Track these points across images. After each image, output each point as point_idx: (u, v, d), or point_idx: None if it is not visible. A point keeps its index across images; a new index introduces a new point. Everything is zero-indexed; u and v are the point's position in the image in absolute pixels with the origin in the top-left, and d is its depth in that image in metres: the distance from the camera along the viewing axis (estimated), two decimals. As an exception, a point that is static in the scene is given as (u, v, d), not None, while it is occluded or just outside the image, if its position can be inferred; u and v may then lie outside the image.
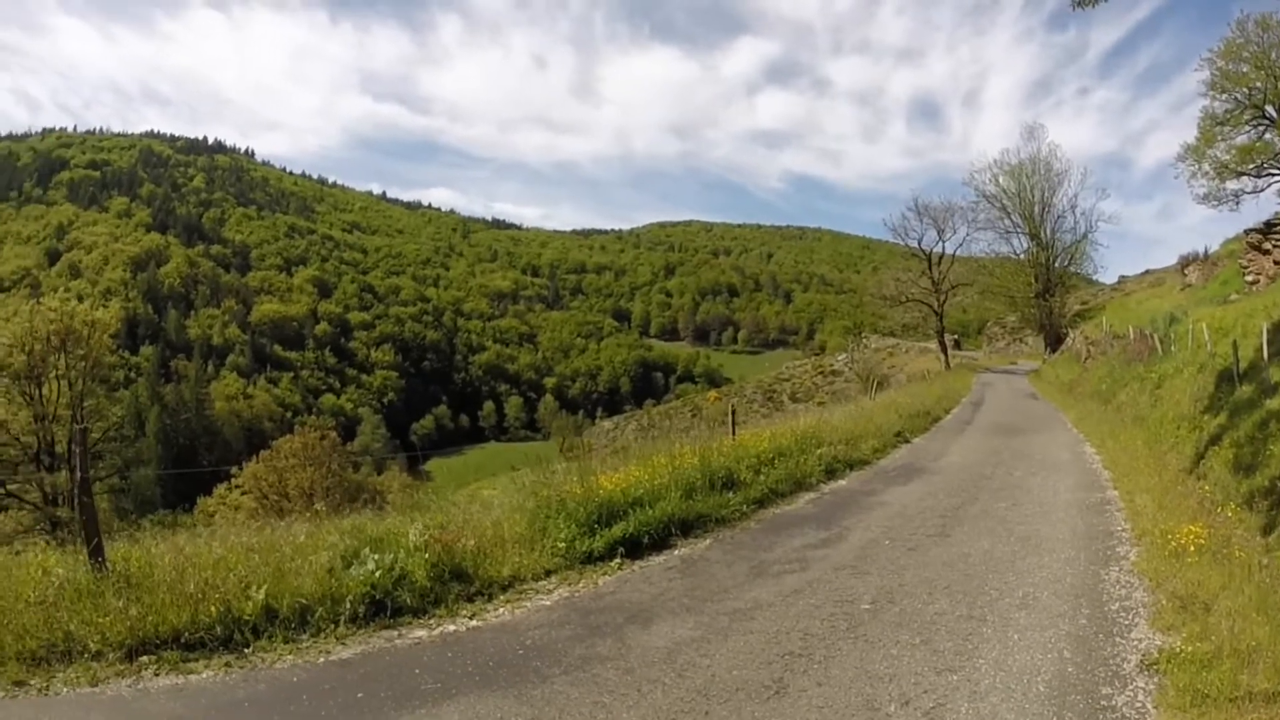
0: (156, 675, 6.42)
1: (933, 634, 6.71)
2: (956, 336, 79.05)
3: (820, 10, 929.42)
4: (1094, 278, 70.50)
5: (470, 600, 8.02)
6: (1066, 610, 7.18)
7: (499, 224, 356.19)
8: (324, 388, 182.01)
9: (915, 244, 60.62)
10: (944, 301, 60.66)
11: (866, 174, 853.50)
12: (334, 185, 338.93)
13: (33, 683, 6.30)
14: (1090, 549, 9.25)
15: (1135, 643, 6.41)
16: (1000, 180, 59.03)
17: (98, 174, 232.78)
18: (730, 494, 11.80)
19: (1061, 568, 8.51)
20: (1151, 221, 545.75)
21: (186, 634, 6.87)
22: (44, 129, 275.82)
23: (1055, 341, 55.92)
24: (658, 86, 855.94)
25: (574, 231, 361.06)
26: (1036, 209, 57.83)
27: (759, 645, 6.63)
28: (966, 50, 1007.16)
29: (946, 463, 16.75)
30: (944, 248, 60.53)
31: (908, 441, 20.17)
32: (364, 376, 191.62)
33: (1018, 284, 59.90)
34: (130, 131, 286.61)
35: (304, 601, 7.33)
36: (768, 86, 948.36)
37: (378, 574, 7.67)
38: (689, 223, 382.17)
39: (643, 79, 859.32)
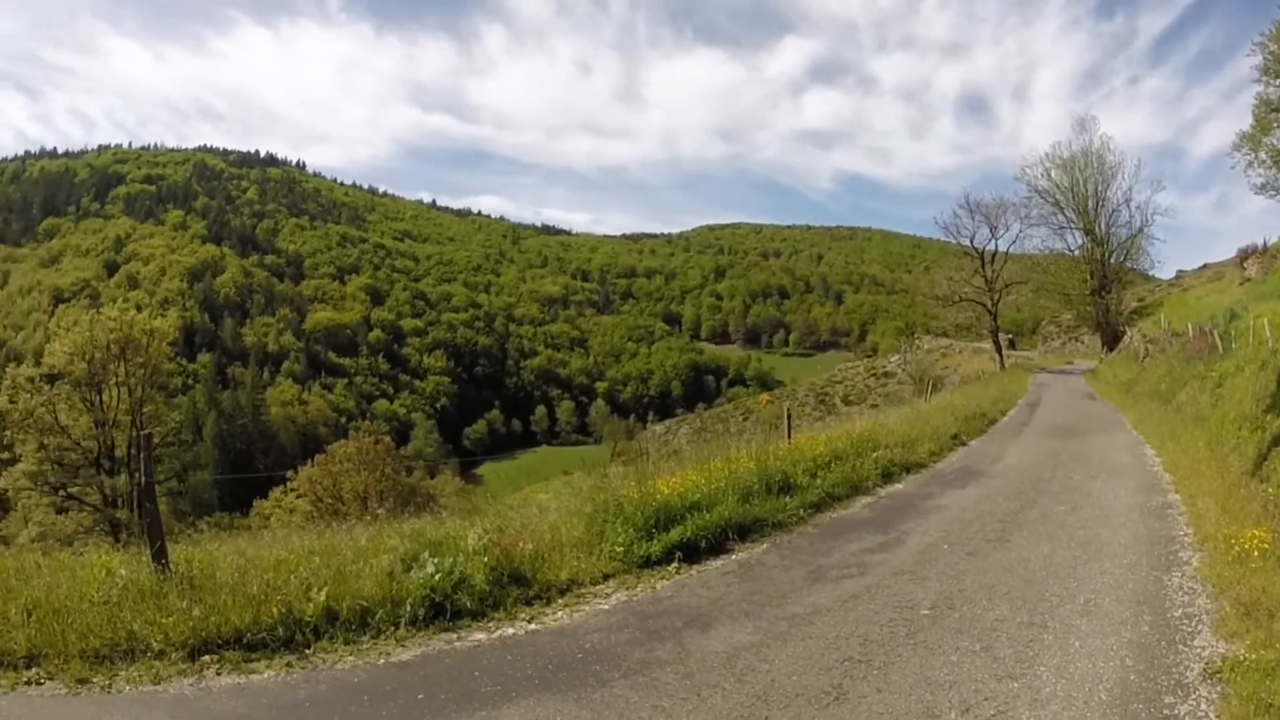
0: (218, 674, 6.55)
1: (993, 640, 6.69)
2: (1011, 336, 77.81)
3: (864, 7, 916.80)
4: (1151, 273, 69.08)
5: (529, 604, 8.07)
6: (1128, 617, 7.12)
7: (548, 230, 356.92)
8: (377, 393, 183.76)
9: (967, 242, 59.05)
10: (998, 300, 59.13)
11: (916, 172, 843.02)
12: (385, 195, 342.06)
13: (96, 680, 6.44)
14: (1152, 554, 9.14)
15: (1198, 651, 6.35)
16: (1052, 174, 57.73)
17: (153, 188, 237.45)
18: (787, 498, 11.74)
19: (1123, 573, 8.42)
20: (1208, 213, 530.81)
21: (248, 634, 6.99)
22: (100, 146, 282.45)
23: (1112, 340, 54.83)
24: (702, 89, 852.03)
25: (623, 236, 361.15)
26: (1090, 203, 56.45)
27: (818, 651, 6.64)
28: (1013, 42, 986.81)
29: (1004, 466, 16.58)
30: (997, 245, 58.86)
31: (964, 444, 19.95)
32: (417, 382, 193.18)
33: (1073, 281, 58.60)
34: (184, 146, 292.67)
35: (364, 604, 7.43)
36: (813, 86, 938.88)
37: (437, 577, 7.75)
38: (738, 225, 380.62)
39: (687, 82, 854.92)
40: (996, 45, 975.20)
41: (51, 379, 36.33)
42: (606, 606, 8.06)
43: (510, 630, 7.46)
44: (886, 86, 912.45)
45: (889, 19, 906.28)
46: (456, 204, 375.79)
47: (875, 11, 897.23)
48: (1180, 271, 77.44)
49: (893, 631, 7.00)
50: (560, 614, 7.88)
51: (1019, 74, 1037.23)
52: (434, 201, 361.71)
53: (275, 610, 7.14)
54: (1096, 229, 56.89)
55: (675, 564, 9.24)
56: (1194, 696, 5.55)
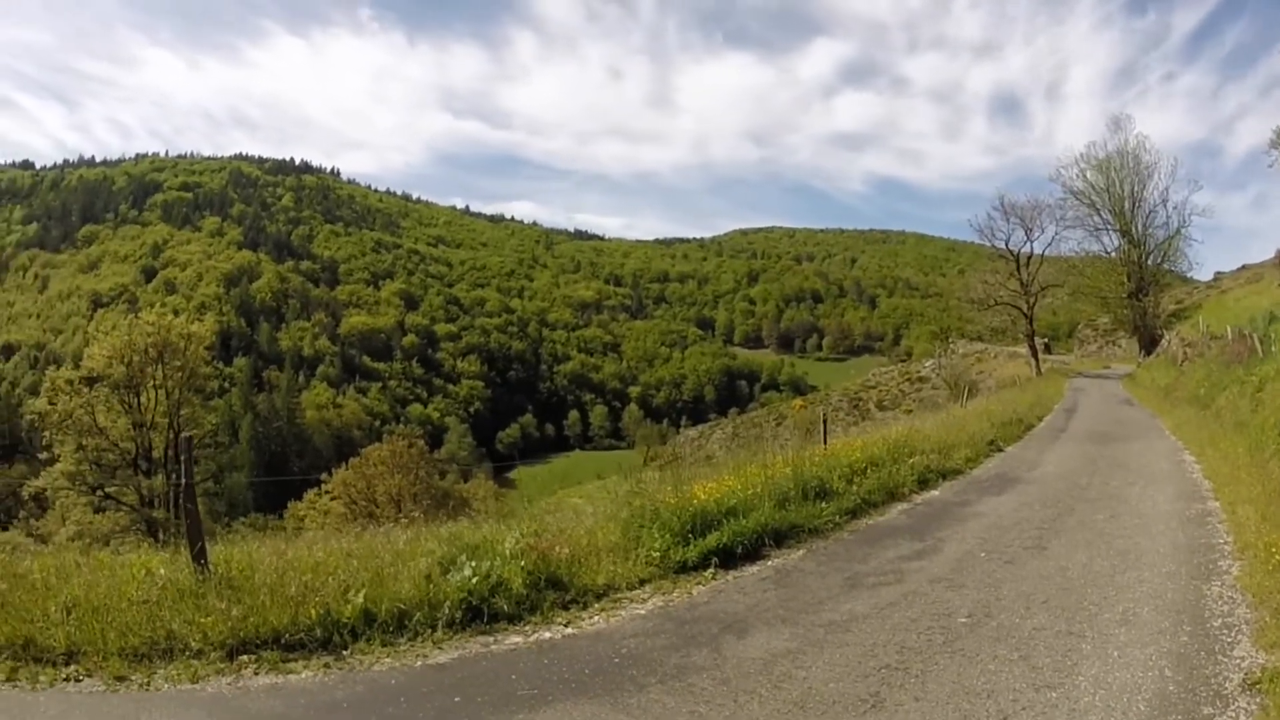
0: (256, 674, 6.62)
1: (1031, 650, 6.66)
2: (1047, 340, 76.75)
3: (893, 8, 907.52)
4: (1189, 275, 67.94)
5: (565, 608, 8.09)
6: (1167, 627, 7.06)
7: (581, 235, 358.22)
8: (411, 397, 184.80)
9: (1002, 245, 58.06)
10: (1033, 304, 58.27)
11: (949, 174, 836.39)
12: (418, 201, 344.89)
13: (134, 678, 6.52)
14: (1191, 563, 9.04)
15: (1237, 661, 6.28)
16: (1088, 175, 57.00)
17: (190, 195, 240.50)
18: (823, 504, 11.67)
19: (1162, 582, 8.34)
20: (1246, 213, 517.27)
21: (286, 635, 7.06)
22: (137, 154, 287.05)
23: (1150, 344, 54.03)
24: (733, 93, 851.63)
25: (656, 240, 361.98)
26: (1126, 204, 55.60)
27: (855, 658, 6.64)
28: (1044, 41, 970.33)
29: (1041, 472, 16.44)
30: (1032, 248, 58.05)
31: (1001, 450, 19.81)
32: (450, 386, 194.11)
33: (1109, 284, 57.78)
34: (220, 155, 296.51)
35: (402, 606, 7.48)
36: (844, 88, 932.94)
37: (475, 580, 7.78)
38: (771, 229, 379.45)
39: (718, 87, 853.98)
40: (1028, 44, 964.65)
41: (90, 381, 36.77)
42: (643, 611, 8.07)
43: (547, 634, 7.49)
44: (918, 88, 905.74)
45: (919, 19, 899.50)
46: (489, 210, 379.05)
47: (905, 12, 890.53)
48: (1218, 273, 76.41)
49: (930, 639, 6.99)
50: (597, 618, 7.90)
51: (1051, 73, 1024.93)
52: (467, 207, 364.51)
53: (313, 611, 7.20)
54: (1133, 230, 56.19)
55: (712, 570, 9.24)
56: (1233, 708, 5.50)
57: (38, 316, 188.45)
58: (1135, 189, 55.48)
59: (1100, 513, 12.00)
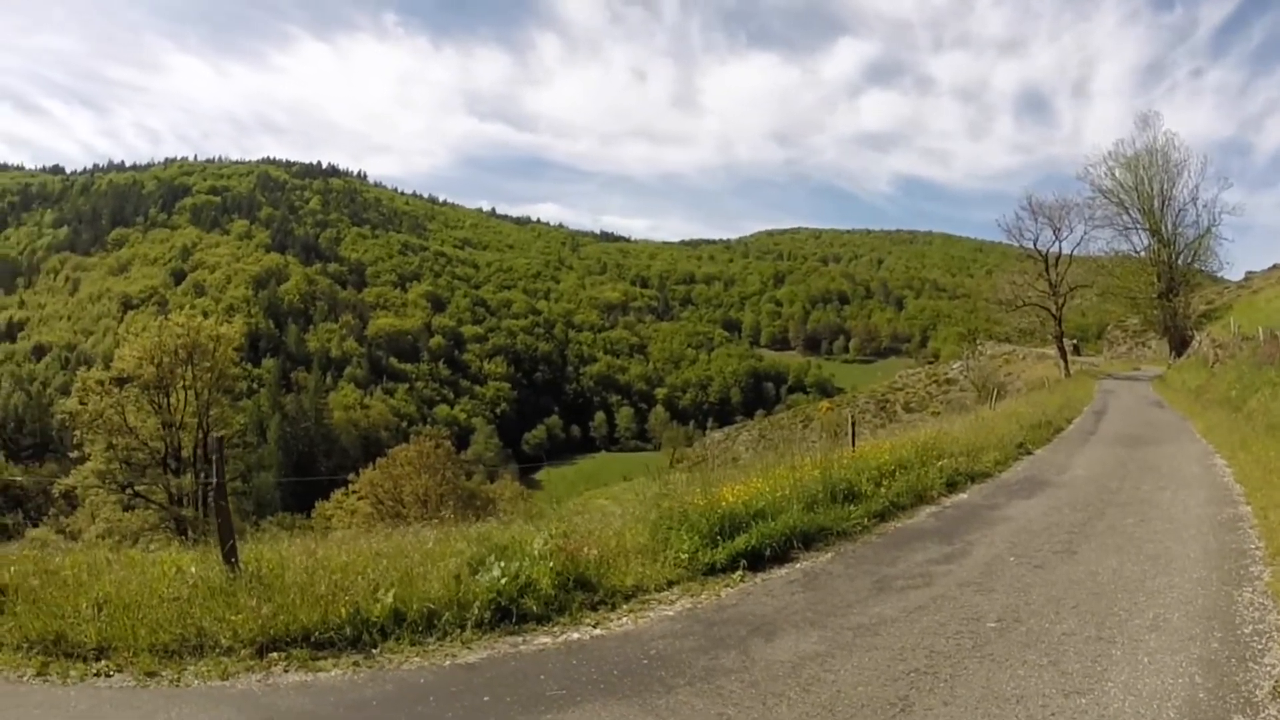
0: (286, 672, 6.66)
1: (1060, 655, 6.61)
2: (1075, 341, 75.87)
3: (917, 6, 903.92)
4: (1219, 275, 66.83)
5: (594, 609, 8.10)
6: (1198, 633, 7.00)
7: (607, 236, 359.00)
8: (438, 398, 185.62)
9: (1030, 245, 57.47)
10: (1062, 305, 57.79)
11: (975, 173, 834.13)
12: (444, 204, 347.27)
13: (164, 674, 6.59)
14: (1222, 568, 8.95)
15: (1268, 668, 6.22)
16: (1116, 173, 56.53)
17: (218, 199, 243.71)
18: (851, 506, 11.63)
19: (1193, 588, 8.27)
20: (1277, 211, 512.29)
21: (316, 633, 7.10)
22: (166, 159, 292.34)
23: (1180, 345, 53.35)
24: (758, 94, 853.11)
25: (682, 242, 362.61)
26: (1156, 203, 55.05)
27: (884, 661, 6.62)
28: (1070, 38, 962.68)
29: (1071, 476, 16.31)
30: (1060, 247, 57.56)
31: (1029, 453, 19.66)
32: (477, 388, 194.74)
33: (1139, 284, 57.06)
34: (248, 159, 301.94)
35: (431, 606, 7.51)
36: (869, 88, 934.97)
37: (504, 581, 7.80)
38: (797, 230, 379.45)
39: (742, 87, 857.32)
40: (1054, 41, 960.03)
41: (120, 382, 37.14)
42: (671, 613, 8.08)
43: (575, 635, 7.51)
44: (943, 86, 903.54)
45: (943, 17, 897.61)
46: (515, 212, 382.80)
47: (929, 10, 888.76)
48: (1250, 273, 75.14)
49: (959, 644, 6.96)
50: (625, 620, 7.91)
51: (1078, 70, 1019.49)
52: (493, 210, 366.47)
53: (343, 610, 7.25)
54: (1162, 229, 55.57)
55: (740, 572, 9.22)
56: (1263, 715, 5.46)
57: (69, 318, 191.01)
58: (1164, 187, 54.95)
59: (1130, 517, 11.90)
